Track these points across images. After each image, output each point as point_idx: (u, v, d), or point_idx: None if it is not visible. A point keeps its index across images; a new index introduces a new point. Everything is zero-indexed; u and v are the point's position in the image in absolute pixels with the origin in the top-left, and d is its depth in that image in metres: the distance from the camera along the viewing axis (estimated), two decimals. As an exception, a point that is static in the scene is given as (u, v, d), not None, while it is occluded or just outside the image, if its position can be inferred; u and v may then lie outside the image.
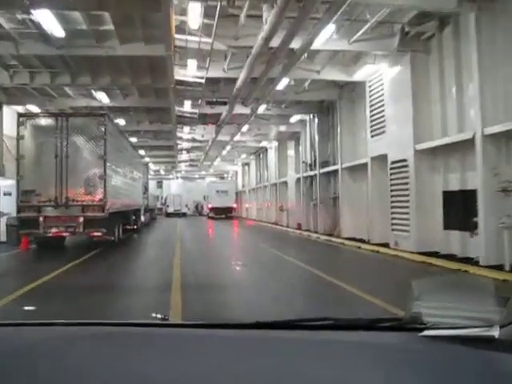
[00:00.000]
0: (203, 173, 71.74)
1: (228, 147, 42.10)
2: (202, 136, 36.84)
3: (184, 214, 64.90)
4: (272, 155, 40.94)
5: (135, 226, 31.55)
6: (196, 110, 25.89)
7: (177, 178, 77.68)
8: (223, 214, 54.17)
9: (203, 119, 29.24)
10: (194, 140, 37.00)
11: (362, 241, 21.16)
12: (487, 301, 1.59)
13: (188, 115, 26.92)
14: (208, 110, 26.53)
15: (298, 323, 1.80)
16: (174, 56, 17.01)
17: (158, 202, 64.31)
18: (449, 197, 15.68)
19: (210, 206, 56.31)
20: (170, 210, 66.61)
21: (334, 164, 25.83)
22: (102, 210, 18.55)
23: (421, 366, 1.44)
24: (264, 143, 41.09)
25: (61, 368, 1.46)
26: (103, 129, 18.56)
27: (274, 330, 1.77)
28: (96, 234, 18.56)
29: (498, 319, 1.49)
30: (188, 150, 43.88)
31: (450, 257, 14.84)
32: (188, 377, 1.41)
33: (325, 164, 26.85)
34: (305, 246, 22.79)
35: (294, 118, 29.15)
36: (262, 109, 25.73)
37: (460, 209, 14.85)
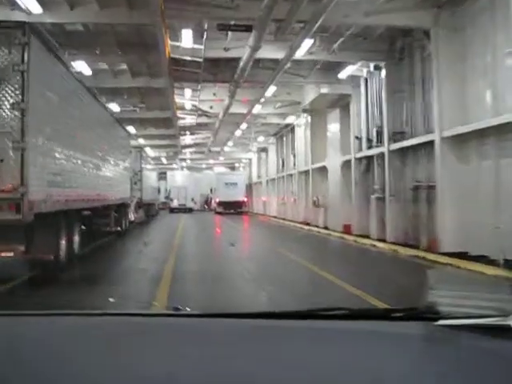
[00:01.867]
0: (211, 162, 62.47)
1: (243, 125, 32.86)
2: (211, 107, 27.59)
3: (190, 210, 57.14)
4: (301, 134, 31.64)
5: (118, 228, 22.67)
6: (201, 46, 16.53)
7: (181, 168, 68.58)
8: (232, 208, 48.21)
9: (212, 72, 19.91)
10: (198, 111, 27.60)
11: (490, 261, 12.01)
12: (502, 290, 1.58)
13: (189, 60, 17.55)
14: (220, 53, 17.27)
15: (310, 313, 1.77)
16: None
17: (161, 196, 56.77)
18: None
19: (217, 199, 49.90)
20: (174, 204, 58.68)
21: (413, 136, 16.58)
22: (17, 208, 9.72)
23: (436, 355, 1.39)
24: (290, 119, 31.79)
25: (58, 359, 1.40)
26: (21, 52, 9.78)
27: (285, 320, 1.72)
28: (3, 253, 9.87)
29: None
30: (192, 129, 34.30)
31: None
32: (197, 366, 1.35)
33: (398, 136, 17.57)
34: (396, 279, 11.43)
35: (346, 72, 19.72)
36: (303, 49, 16.49)
37: None
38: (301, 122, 31.43)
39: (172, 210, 56.62)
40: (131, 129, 29.98)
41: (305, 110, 27.90)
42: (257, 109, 27.04)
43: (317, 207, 27.15)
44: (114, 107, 24.42)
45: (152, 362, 1.36)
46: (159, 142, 39.45)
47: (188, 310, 1.93)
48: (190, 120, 30.50)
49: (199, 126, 33.74)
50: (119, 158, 23.10)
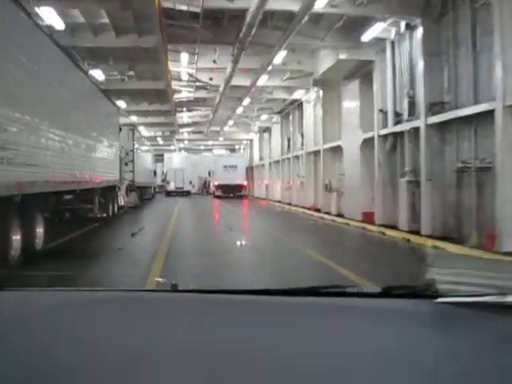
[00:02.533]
0: (210, 143, 59.35)
1: (246, 101, 29.73)
2: (211, 79, 24.47)
3: (187, 193, 55.00)
4: (310, 111, 28.57)
5: (104, 214, 20.09)
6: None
7: (179, 149, 65.45)
8: (232, 192, 46.57)
9: (213, 31, 16.76)
10: (196, 83, 24.41)
11: None
12: (502, 267, 1.62)
13: (185, 11, 14.39)
14: (222, 3, 14.17)
15: (310, 290, 1.78)
16: None
17: (158, 178, 54.39)
18: None
19: (216, 183, 47.84)
20: (171, 187, 56.18)
21: (457, 107, 13.58)
22: None
23: (436, 332, 1.39)
24: (298, 94, 28.66)
25: (63, 334, 1.40)
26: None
27: (283, 297, 1.72)
28: None
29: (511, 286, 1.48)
30: (189, 105, 31.00)
31: None
32: (195, 343, 1.33)
33: (437, 108, 14.52)
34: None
35: (372, 33, 16.57)
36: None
37: None
38: (310, 98, 28.31)
39: (168, 194, 54.41)
40: (121, 104, 26.85)
41: (316, 83, 24.74)
42: (262, 80, 23.93)
43: (329, 192, 24.14)
44: (98, 74, 21.26)
45: (150, 336, 1.36)
46: (154, 119, 36.22)
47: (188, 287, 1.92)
48: (186, 94, 27.31)
49: (197, 102, 30.59)
50: (105, 135, 20.18)
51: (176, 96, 27.18)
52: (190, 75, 23.00)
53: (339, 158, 24.61)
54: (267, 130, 42.50)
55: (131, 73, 21.81)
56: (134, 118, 33.56)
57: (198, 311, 1.55)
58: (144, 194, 37.88)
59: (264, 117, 38.21)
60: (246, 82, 24.56)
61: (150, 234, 17.07)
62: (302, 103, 30.07)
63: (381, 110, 18.28)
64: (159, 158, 60.64)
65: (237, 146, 62.94)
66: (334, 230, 19.16)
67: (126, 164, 26.78)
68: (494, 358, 1.24)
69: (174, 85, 24.38)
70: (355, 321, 1.47)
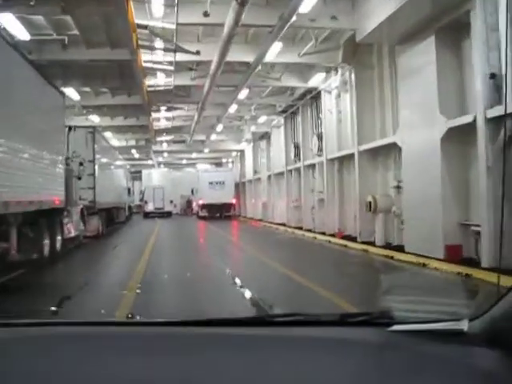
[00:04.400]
0: (194, 156, 51.56)
1: (243, 92, 22.17)
2: (197, 52, 16.84)
3: (168, 214, 48.62)
4: (332, 103, 21.09)
5: (34, 255, 13.28)
6: None
7: (158, 164, 57.84)
8: (219, 212, 41.20)
9: None
10: (178, 56, 16.61)
11: None
12: (456, 295, 1.69)
13: None
14: None
15: (266, 319, 1.83)
16: None
17: (135, 198, 49.33)
18: None
19: (201, 202, 41.46)
20: (149, 208, 49.62)
21: None
22: None
23: (389, 361, 1.42)
24: (316, 80, 21.08)
25: (33, 370, 1.39)
26: None
27: (241, 328, 1.69)
28: None
29: (466, 313, 1.49)
30: (168, 97, 22.86)
31: None
32: (155, 376, 1.36)
33: None
34: None
35: None
36: None
37: None
38: (332, 85, 20.84)
39: (147, 215, 47.99)
40: (71, 92, 19.18)
41: (349, 56, 17.42)
42: (273, 53, 16.42)
43: (372, 213, 16.55)
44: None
45: (118, 372, 1.37)
46: (121, 120, 28.30)
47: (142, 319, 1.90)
48: (163, 79, 19.45)
49: (179, 95, 22.82)
50: (34, 133, 12.68)
51: (150, 83, 19.47)
52: (168, 42, 15.29)
53: (386, 164, 17.17)
54: (265, 136, 34.87)
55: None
56: (95, 119, 25.78)
57: (152, 345, 1.53)
58: (115, 217, 30.22)
59: (262, 119, 30.61)
60: (249, 57, 17.08)
61: (102, 289, 9.32)
62: (318, 94, 22.52)
63: (492, 76, 10.78)
64: (137, 175, 55.38)
65: (224, 160, 55.22)
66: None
67: (80, 178, 19.06)
68: None
69: (146, 60, 16.68)
70: (309, 352, 1.46)
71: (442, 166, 12.47)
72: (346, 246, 17.56)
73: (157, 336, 1.63)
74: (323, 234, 21.49)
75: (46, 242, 13.70)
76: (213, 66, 17.22)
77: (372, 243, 16.78)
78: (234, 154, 48.99)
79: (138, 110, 24.27)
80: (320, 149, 22.41)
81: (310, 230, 23.77)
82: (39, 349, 1.50)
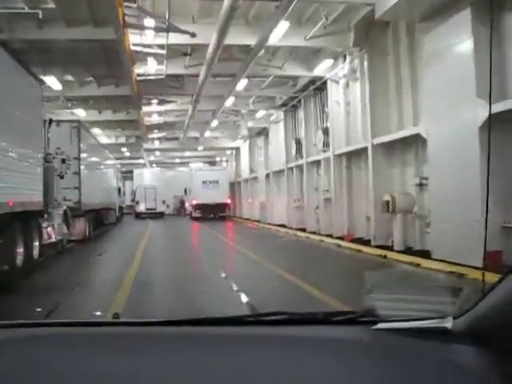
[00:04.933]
0: (187, 154, 49.61)
1: (242, 82, 20.32)
2: (193, 35, 14.98)
3: (161, 214, 46.75)
4: (340, 93, 19.26)
5: (5, 267, 10.29)
6: None
7: (150, 163, 55.93)
8: (212, 212, 39.61)
9: None
10: (171, 37, 14.68)
11: None
12: (440, 292, 1.64)
13: None
14: None
15: (251, 318, 1.85)
16: None
17: (126, 198, 48.69)
18: None
19: (194, 202, 39.77)
20: (141, 208, 47.79)
21: None
22: None
23: (374, 360, 1.41)
24: (321, 69, 19.22)
25: (25, 372, 1.38)
26: None
27: (225, 327, 1.72)
28: None
29: (451, 310, 1.49)
30: (160, 88, 20.82)
31: None
32: (138, 378, 1.35)
33: None
34: None
35: None
36: None
37: None
38: (339, 74, 19.02)
39: (138, 216, 46.26)
40: (52, 81, 17.24)
41: (362, 39, 15.64)
42: (277, 35, 14.57)
43: (391, 214, 14.72)
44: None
45: (108, 373, 1.36)
46: (109, 115, 26.29)
47: (128, 319, 1.91)
48: (155, 66, 17.47)
49: (171, 86, 20.91)
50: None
51: (139, 71, 17.54)
52: (159, 20, 13.38)
53: (404, 159, 15.39)
54: (262, 132, 33.00)
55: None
56: (80, 113, 23.81)
57: (138, 345, 1.53)
58: (104, 219, 28.39)
59: (260, 113, 28.73)
60: (250, 39, 15.24)
61: (75, 314, 7.43)
62: (324, 84, 20.67)
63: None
64: (128, 175, 54.46)
65: (218, 158, 53.31)
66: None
67: (62, 177, 17.17)
68: (431, 382, 1.28)
69: (134, 43, 14.77)
70: (293, 351, 1.45)
71: (481, 158, 10.64)
72: (359, 250, 15.73)
73: (146, 336, 1.62)
74: (330, 236, 19.67)
75: (19, 250, 11.83)
76: (210, 50, 15.33)
77: (389, 247, 14.98)
78: (228, 152, 47.10)
79: (127, 103, 22.33)
80: (326, 144, 20.57)
81: (314, 232, 21.96)
82: (30, 349, 1.48)
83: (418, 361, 1.36)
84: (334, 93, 19.75)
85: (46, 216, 14.99)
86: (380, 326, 1.52)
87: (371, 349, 1.46)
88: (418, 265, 12.17)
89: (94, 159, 24.59)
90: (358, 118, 17.84)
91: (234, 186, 43.19)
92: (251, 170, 37.46)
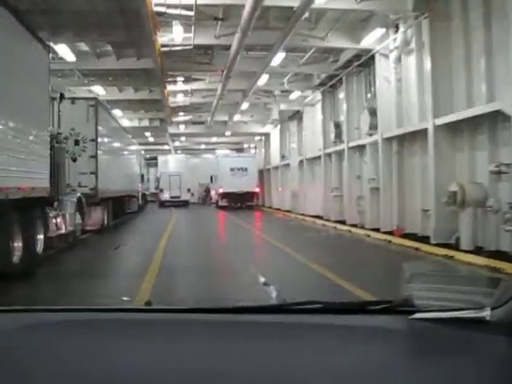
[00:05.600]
0: (213, 140, 47.54)
1: (279, 56, 18.07)
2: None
3: (185, 203, 44.39)
4: (390, 68, 16.87)
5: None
6: None
7: (174, 149, 54.11)
8: (240, 202, 37.28)
9: None
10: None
11: None
12: (478, 283, 1.64)
13: None
14: None
15: (285, 307, 1.80)
16: None
17: (150, 185, 48.25)
18: None
19: (221, 190, 37.59)
20: (165, 196, 45.69)
21: None
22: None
23: (411, 349, 1.39)
24: (368, 41, 16.84)
25: (33, 357, 1.36)
26: None
27: (261, 315, 1.68)
28: None
29: (489, 301, 1.46)
30: (186, 63, 18.66)
31: None
32: (172, 364, 1.34)
33: None
34: None
35: None
36: None
37: None
38: (392, 45, 16.64)
39: (162, 204, 44.42)
40: (64, 50, 15.19)
41: (422, 4, 13.30)
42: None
43: (460, 207, 12.38)
44: None
45: (126, 360, 1.34)
46: (131, 94, 24.20)
47: (160, 306, 1.88)
48: (181, 35, 15.36)
49: (199, 58, 18.75)
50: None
51: (163, 39, 15.37)
52: None
53: (473, 143, 13.04)
54: (295, 116, 30.71)
55: None
56: (99, 91, 21.77)
57: (173, 332, 1.52)
58: (126, 207, 26.62)
59: (294, 95, 26.46)
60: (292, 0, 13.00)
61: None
62: (371, 59, 18.32)
63: None
64: (152, 161, 53.39)
65: (246, 145, 51.14)
66: None
67: (75, 160, 15.22)
68: (470, 373, 1.24)
69: (157, 4, 12.59)
70: (330, 339, 1.44)
71: None
72: (417, 249, 13.44)
73: (173, 322, 1.61)
74: (376, 230, 17.41)
75: (17, 244, 9.83)
76: (245, 13, 13.11)
77: (452, 246, 12.68)
78: (257, 138, 44.88)
79: (149, 79, 20.18)
80: (373, 127, 18.21)
81: (355, 225, 19.70)
82: (52, 335, 1.49)
83: (455, 351, 1.32)
84: (384, 68, 17.39)
85: (56, 204, 13.12)
86: (417, 315, 1.46)
87: (408, 338, 1.43)
88: (501, 271, 9.85)
89: (113, 142, 22.64)
90: (412, 96, 15.61)
91: (262, 174, 41.07)
92: (282, 157, 35.18)
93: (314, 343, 1.42)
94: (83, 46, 16.84)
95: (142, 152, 41.60)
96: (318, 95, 25.03)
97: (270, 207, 39.15)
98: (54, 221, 12.60)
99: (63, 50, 15.52)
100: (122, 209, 25.65)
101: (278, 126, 35.59)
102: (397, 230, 16.26)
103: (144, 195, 41.99)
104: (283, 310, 1.76)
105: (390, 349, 1.38)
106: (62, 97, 14.39)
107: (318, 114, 25.44)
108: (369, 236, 16.92)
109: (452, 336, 1.39)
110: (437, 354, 1.32)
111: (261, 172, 40.65)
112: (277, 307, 1.78)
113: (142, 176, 37.50)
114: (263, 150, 42.99)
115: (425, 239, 14.20)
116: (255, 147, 48.36)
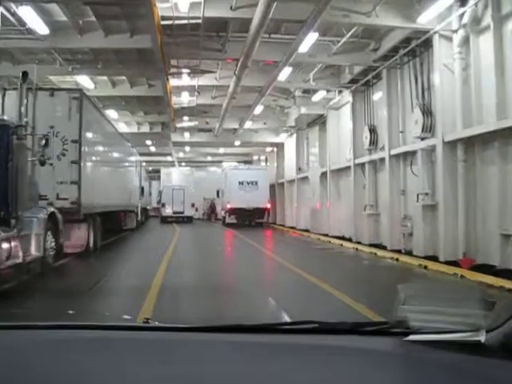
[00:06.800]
0: (221, 151, 43.88)
1: (311, 37, 14.42)
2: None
3: (189, 219, 41.94)
4: (453, 52, 13.17)
5: None
6: None
7: (178, 161, 50.93)
8: (249, 218, 34.27)
9: None
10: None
11: None
12: (474, 305, 1.54)
13: None
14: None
15: (281, 327, 1.76)
16: None
17: (152, 199, 46.82)
18: None
19: (228, 206, 34.56)
20: (167, 211, 42.54)
21: None
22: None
23: (405, 371, 1.40)
24: (425, 19, 13.18)
25: (28, 376, 1.35)
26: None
27: (256, 334, 1.67)
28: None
29: (484, 323, 1.43)
30: (191, 51, 15.07)
31: None
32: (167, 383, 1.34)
33: None
34: None
35: None
36: None
37: None
38: (455, 25, 13.00)
39: (164, 220, 41.74)
40: (34, 18, 11.55)
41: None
42: None
43: None
44: None
45: (125, 378, 1.33)
46: (128, 89, 20.52)
47: (160, 324, 1.81)
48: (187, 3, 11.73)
49: (207, 43, 15.11)
50: None
51: (163, 5, 11.75)
52: None
53: None
54: (316, 122, 26.96)
55: None
56: (87, 83, 18.10)
57: (167, 351, 1.50)
58: (122, 224, 23.12)
59: (317, 96, 22.81)
60: None
61: None
62: (426, 44, 14.65)
63: None
64: (155, 175, 51.98)
65: (255, 157, 47.48)
66: None
67: (43, 163, 11.47)
68: None
69: None
70: (323, 360, 1.42)
71: None
72: (502, 287, 9.64)
73: (177, 341, 1.60)
74: (432, 259, 13.63)
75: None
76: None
77: None
78: (268, 149, 41.17)
79: (147, 66, 16.37)
80: (427, 128, 14.45)
81: (398, 251, 15.93)
82: (54, 352, 1.48)
83: (450, 373, 1.32)
84: (445, 54, 13.68)
85: (12, 223, 9.59)
86: (412, 337, 1.47)
87: (402, 360, 1.43)
88: None
89: (106, 148, 19.00)
90: (485, 87, 11.96)
91: (273, 189, 37.43)
92: (299, 169, 31.36)
93: (309, 364, 1.40)
94: (60, 16, 13.14)
95: (144, 164, 38.29)
96: (347, 96, 21.26)
97: (282, 225, 35.39)
98: (4, 247, 8.99)
99: (31, 17, 11.87)
100: (117, 226, 22.14)
101: (294, 135, 31.86)
102: (464, 260, 12.50)
103: (145, 210, 38.83)
104: (280, 329, 1.71)
105: (385, 371, 1.37)
106: (24, 75, 10.76)
107: (346, 117, 21.68)
108: (426, 268, 13.04)
109: (447, 359, 1.37)
110: (431, 377, 1.31)
111: (272, 186, 36.99)
112: (273, 326, 1.70)
113: (143, 189, 34.01)
114: (275, 164, 39.28)
115: (506, 273, 10.48)
116: (266, 159, 44.64)
